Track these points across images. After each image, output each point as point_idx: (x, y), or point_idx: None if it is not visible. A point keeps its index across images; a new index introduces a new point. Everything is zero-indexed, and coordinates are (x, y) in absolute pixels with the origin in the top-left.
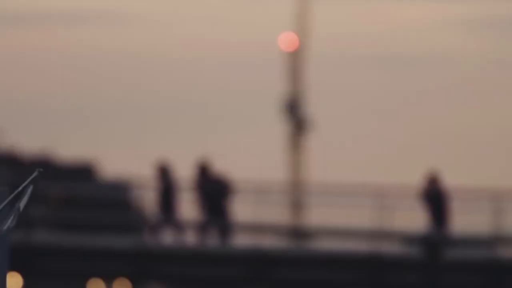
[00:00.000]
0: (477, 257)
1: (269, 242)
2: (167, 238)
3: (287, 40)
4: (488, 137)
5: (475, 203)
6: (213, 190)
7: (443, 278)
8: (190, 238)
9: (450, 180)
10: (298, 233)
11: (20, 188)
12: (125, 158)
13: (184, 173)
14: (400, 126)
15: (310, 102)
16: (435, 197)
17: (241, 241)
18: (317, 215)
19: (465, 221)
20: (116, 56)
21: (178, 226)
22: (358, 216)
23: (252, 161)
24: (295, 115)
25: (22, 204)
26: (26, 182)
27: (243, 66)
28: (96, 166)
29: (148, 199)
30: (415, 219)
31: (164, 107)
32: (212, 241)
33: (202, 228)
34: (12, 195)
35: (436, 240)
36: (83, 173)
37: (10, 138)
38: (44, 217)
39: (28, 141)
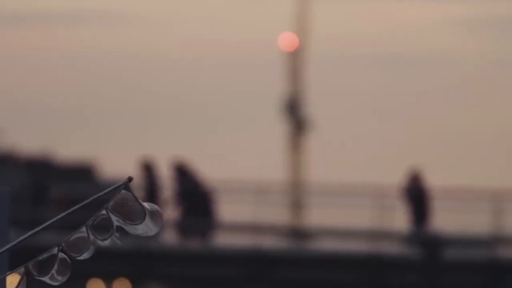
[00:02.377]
0: (477, 257)
1: (269, 242)
2: (167, 238)
3: (287, 40)
4: (488, 137)
5: (475, 203)
6: (193, 190)
7: (443, 278)
8: (171, 238)
9: (450, 180)
10: (298, 233)
11: (101, 194)
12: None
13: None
14: (400, 126)
15: (310, 102)
16: (416, 195)
17: (241, 241)
18: (317, 215)
19: (465, 221)
20: (116, 56)
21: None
22: (358, 216)
23: (252, 161)
24: (295, 115)
25: (117, 211)
26: (111, 188)
27: (243, 66)
28: (96, 166)
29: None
30: None
31: (164, 107)
32: (195, 241)
33: (182, 228)
34: (87, 201)
35: (432, 240)
36: (83, 173)
37: (10, 138)
38: (43, 218)
39: (28, 141)
